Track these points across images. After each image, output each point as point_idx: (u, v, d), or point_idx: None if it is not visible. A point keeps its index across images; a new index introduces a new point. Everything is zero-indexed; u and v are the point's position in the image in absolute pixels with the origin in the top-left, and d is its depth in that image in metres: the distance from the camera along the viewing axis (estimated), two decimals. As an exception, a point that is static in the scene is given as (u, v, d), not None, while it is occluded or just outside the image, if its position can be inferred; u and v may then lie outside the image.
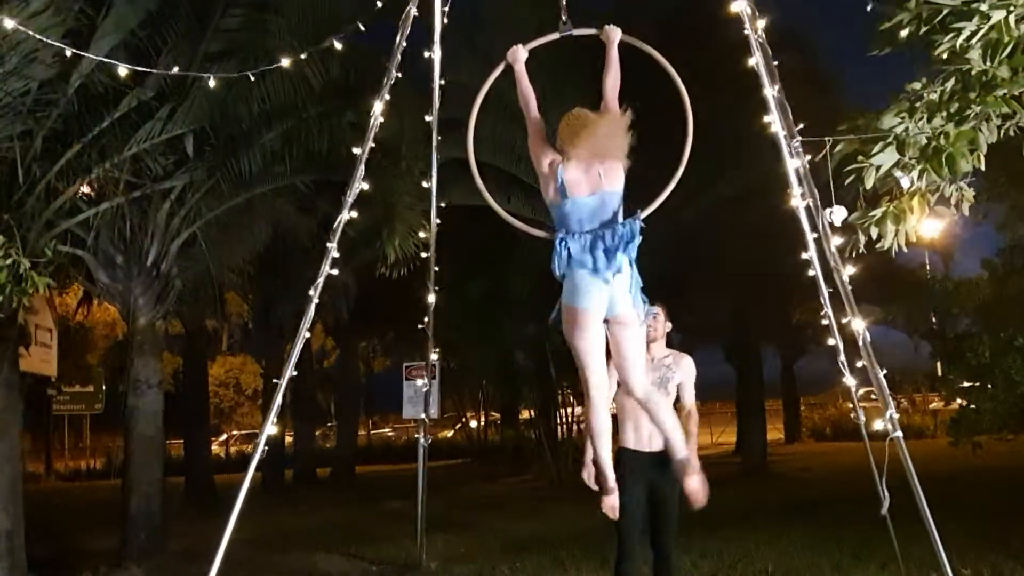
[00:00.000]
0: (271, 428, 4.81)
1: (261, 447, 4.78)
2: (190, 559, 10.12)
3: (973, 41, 4.31)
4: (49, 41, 6.99)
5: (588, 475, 5.01)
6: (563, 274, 4.40)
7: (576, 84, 13.50)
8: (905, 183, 4.70)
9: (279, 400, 4.79)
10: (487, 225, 13.03)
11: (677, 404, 5.57)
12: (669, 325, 5.81)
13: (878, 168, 4.66)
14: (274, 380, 4.97)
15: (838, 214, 4.90)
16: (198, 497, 17.86)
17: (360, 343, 27.25)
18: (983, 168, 4.70)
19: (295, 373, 4.95)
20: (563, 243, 4.36)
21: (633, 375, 4.52)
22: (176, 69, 6.91)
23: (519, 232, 5.35)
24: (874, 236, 4.99)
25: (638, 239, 4.31)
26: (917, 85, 4.66)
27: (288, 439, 22.85)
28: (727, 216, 14.95)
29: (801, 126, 5.13)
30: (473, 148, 5.39)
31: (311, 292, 5.04)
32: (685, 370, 5.64)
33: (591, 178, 4.39)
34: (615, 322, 4.42)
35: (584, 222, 4.39)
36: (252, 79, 6.76)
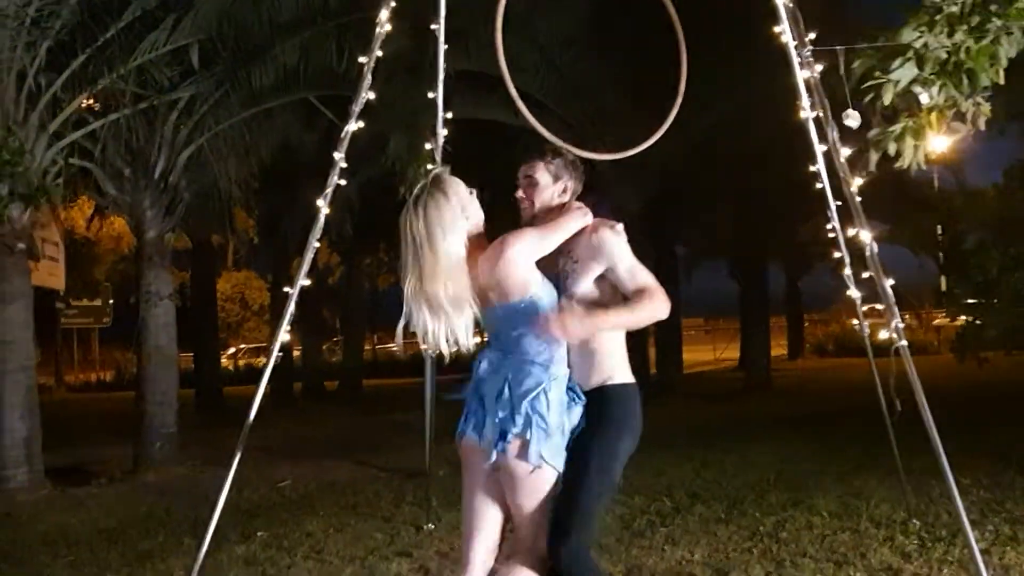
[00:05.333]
0: (284, 335, 4.87)
1: (275, 352, 4.84)
2: (203, 467, 10.35)
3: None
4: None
5: None
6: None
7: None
8: (924, 99, 4.65)
9: (292, 307, 4.82)
10: (492, 140, 12.99)
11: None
12: (566, 186, 3.72)
13: (896, 83, 4.62)
14: (285, 289, 4.98)
15: (853, 119, 4.83)
16: (209, 409, 18.11)
17: (364, 259, 27.32)
18: (1002, 82, 4.65)
19: (308, 282, 4.99)
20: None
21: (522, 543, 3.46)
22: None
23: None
24: (892, 153, 4.95)
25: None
26: (938, -2, 4.59)
27: (296, 353, 23.06)
28: (734, 130, 14.84)
29: (812, 35, 5.07)
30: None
31: (320, 202, 5.04)
32: (594, 252, 3.52)
33: (485, 292, 3.45)
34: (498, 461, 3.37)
35: (493, 334, 3.54)
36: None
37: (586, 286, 3.53)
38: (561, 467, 3.33)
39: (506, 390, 3.33)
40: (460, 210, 3.39)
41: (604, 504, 3.58)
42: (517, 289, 3.34)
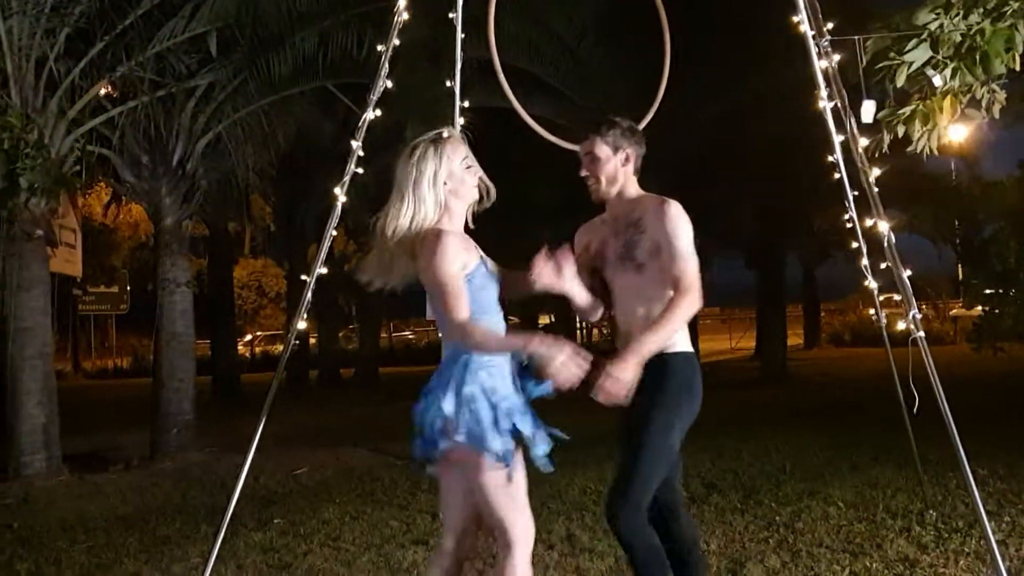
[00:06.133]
0: (301, 324, 4.88)
1: (292, 341, 4.86)
2: (219, 454, 10.39)
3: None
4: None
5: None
6: None
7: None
8: (937, 82, 4.62)
9: (309, 296, 4.83)
10: (510, 129, 12.96)
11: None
12: (627, 154, 3.77)
13: (910, 65, 4.59)
14: (302, 278, 5.00)
15: (868, 109, 4.80)
16: (225, 396, 18.20)
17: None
18: (1017, 68, 4.62)
19: (324, 271, 4.99)
20: None
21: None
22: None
23: (542, 139, 5.31)
24: (901, 134, 4.92)
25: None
26: (955, -20, 4.56)
27: (312, 341, 23.12)
28: (751, 119, 14.78)
29: (830, 25, 5.04)
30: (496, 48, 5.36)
31: (337, 191, 5.04)
32: (658, 223, 3.60)
33: None
34: None
35: None
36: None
37: (648, 257, 3.61)
38: (492, 455, 3.28)
39: (436, 384, 3.39)
40: (443, 170, 3.40)
41: (662, 471, 3.58)
42: (424, 279, 3.39)
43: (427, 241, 3.34)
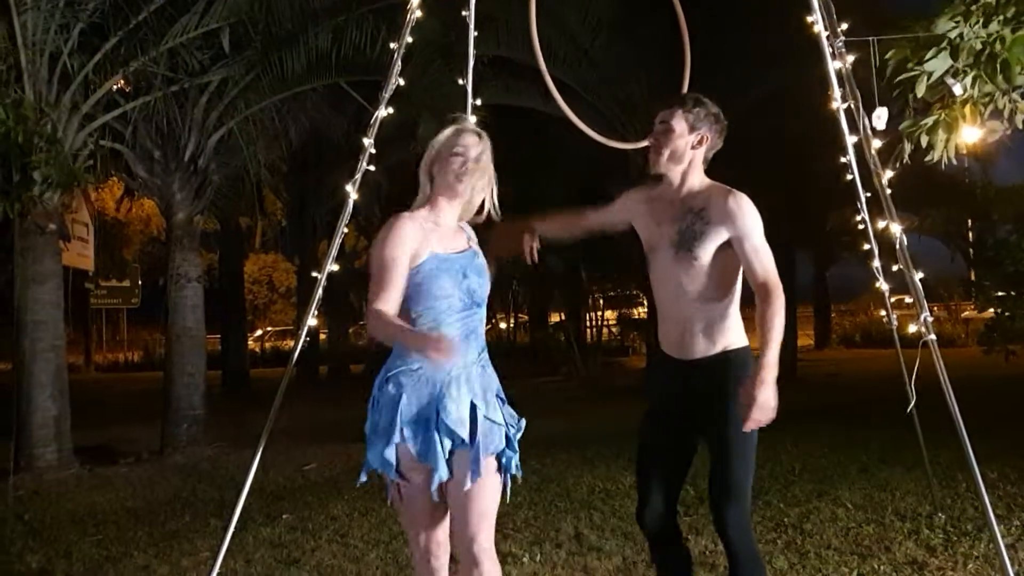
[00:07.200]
0: (312, 320, 4.89)
1: (303, 337, 4.87)
2: (230, 448, 10.42)
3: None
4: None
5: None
6: None
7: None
8: (957, 90, 4.59)
9: (319, 293, 4.84)
10: (520, 126, 12.95)
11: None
12: (702, 137, 3.64)
13: (930, 75, 4.56)
14: (313, 274, 5.00)
15: (882, 117, 4.77)
16: (235, 391, 18.25)
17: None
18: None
19: (335, 267, 5.00)
20: None
21: None
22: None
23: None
24: (924, 145, 4.90)
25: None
26: (974, -12, 4.53)
27: (322, 337, 23.15)
28: (764, 118, 14.73)
29: (845, 26, 5.02)
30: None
31: (349, 187, 5.04)
32: (727, 217, 3.44)
33: None
34: None
35: None
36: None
37: (711, 251, 3.47)
38: (389, 472, 3.32)
39: None
40: (433, 155, 3.41)
41: (753, 465, 3.57)
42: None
43: (384, 224, 3.32)
